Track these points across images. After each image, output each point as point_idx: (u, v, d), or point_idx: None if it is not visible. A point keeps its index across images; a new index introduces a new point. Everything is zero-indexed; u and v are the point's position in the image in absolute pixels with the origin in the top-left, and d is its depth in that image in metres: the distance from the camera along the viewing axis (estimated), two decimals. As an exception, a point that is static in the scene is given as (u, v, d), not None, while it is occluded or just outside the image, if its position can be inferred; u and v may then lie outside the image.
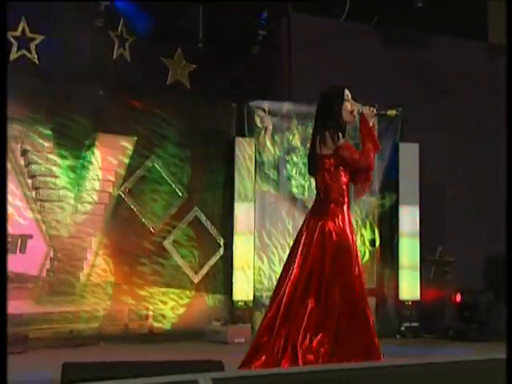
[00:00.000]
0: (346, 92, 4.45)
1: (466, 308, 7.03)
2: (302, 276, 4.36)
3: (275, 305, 4.37)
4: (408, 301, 7.25)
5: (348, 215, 4.45)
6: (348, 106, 4.41)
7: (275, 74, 7.83)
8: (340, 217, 4.37)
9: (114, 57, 6.77)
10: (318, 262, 4.35)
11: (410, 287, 7.28)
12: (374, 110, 4.43)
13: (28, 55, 6.25)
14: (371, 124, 4.45)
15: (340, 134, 4.35)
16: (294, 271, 4.39)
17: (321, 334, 4.26)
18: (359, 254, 4.55)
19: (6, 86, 2.66)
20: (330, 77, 7.56)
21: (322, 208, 4.44)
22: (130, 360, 3.05)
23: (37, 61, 6.28)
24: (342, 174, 4.41)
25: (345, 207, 4.42)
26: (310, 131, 7.36)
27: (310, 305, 4.31)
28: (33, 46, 6.27)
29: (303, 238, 4.45)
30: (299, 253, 4.43)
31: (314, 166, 4.52)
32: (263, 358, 4.23)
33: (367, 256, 7.41)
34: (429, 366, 2.89)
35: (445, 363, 2.87)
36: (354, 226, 4.75)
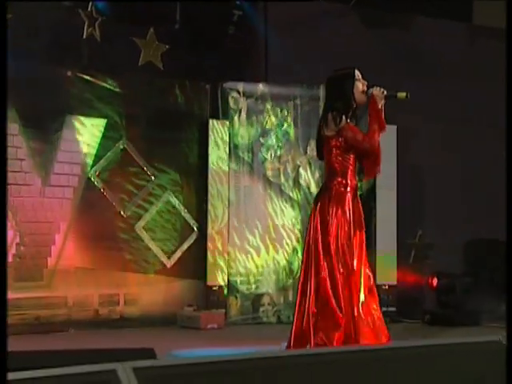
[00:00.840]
0: (357, 72, 4.38)
1: (443, 292, 6.95)
2: (310, 266, 4.34)
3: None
4: (385, 285, 7.14)
5: (354, 198, 4.34)
6: (360, 85, 4.34)
7: (251, 56, 7.69)
8: (344, 200, 4.28)
9: (84, 36, 6.60)
10: (321, 249, 4.29)
11: (386, 271, 7.18)
12: (384, 92, 4.34)
13: (-7, 34, 6.06)
14: (380, 106, 4.34)
15: (343, 116, 4.26)
16: (304, 263, 4.40)
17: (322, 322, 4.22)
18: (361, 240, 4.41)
19: (6, 86, 2.57)
20: (307, 58, 7.47)
21: (326, 192, 4.36)
22: (69, 348, 2.94)
23: (2, 40, 6.10)
24: (347, 156, 4.32)
25: (348, 189, 4.31)
26: (286, 113, 7.32)
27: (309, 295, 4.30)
28: (-2, 25, 6.08)
29: (310, 225, 4.41)
30: (307, 243, 4.42)
31: (321, 148, 4.44)
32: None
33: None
34: (398, 350, 2.77)
35: (413, 347, 2.76)
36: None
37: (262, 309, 7.03)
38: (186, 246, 6.89)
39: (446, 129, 7.95)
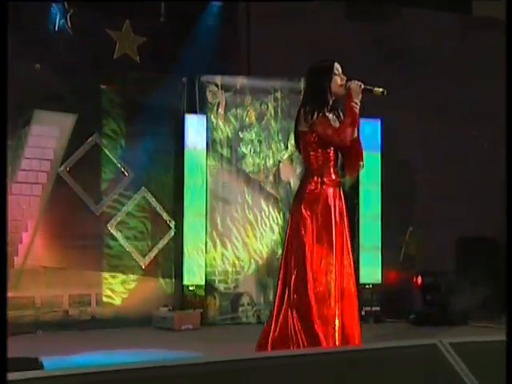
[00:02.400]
0: (336, 66, 4.14)
1: (428, 291, 6.69)
2: (282, 271, 4.07)
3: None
4: (369, 284, 6.91)
5: (334, 197, 4.05)
6: (338, 79, 4.08)
7: (232, 48, 7.47)
8: (318, 201, 4.01)
9: (56, 29, 6.40)
10: (292, 253, 4.03)
11: (370, 270, 6.94)
12: (362, 86, 4.11)
13: (-44, 26, 5.86)
14: (358, 100, 4.09)
15: (316, 110, 4.02)
16: (281, 266, 4.12)
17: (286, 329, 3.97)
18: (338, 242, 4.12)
19: (7, 85, 2.46)
20: (289, 50, 7.23)
21: (301, 190, 4.10)
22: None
23: (-34, 32, 5.90)
24: (325, 151, 4.06)
25: (325, 187, 4.03)
26: (266, 107, 7.09)
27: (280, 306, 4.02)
28: (-39, 17, 5.88)
29: (287, 227, 4.15)
30: (284, 248, 4.14)
31: (297, 143, 4.21)
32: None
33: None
34: (333, 354, 2.56)
35: (350, 351, 2.54)
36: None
37: (241, 309, 6.80)
38: (161, 244, 6.68)
39: (435, 124, 7.70)
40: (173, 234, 6.72)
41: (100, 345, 5.16)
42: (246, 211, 6.88)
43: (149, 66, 6.82)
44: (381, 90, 4.19)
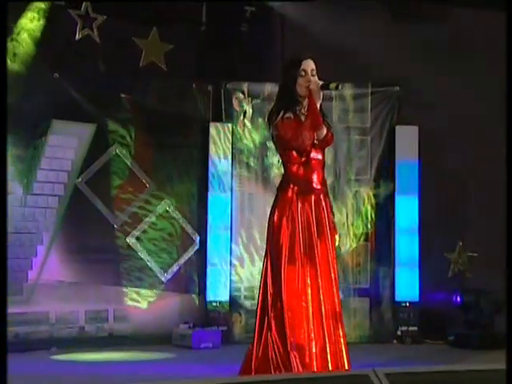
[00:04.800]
0: (305, 65, 3.79)
1: (468, 310, 6.18)
2: (262, 286, 3.90)
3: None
4: (405, 302, 6.46)
5: (313, 207, 3.70)
6: (301, 82, 3.75)
7: (265, 55, 7.20)
8: (293, 210, 3.67)
9: (77, 37, 6.28)
10: (269, 267, 3.84)
11: (407, 287, 6.48)
12: (319, 83, 3.79)
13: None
14: (319, 100, 3.77)
15: (282, 111, 3.71)
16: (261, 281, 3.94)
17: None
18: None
19: (6, 86, 2.51)
20: (328, 55, 6.89)
21: (276, 198, 3.80)
22: None
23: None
24: (301, 155, 3.73)
25: (302, 196, 3.69)
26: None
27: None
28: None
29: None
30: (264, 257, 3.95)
31: (276, 146, 3.90)
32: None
33: (361, 253, 6.66)
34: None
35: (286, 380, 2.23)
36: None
37: (268, 327, 6.44)
38: (184, 258, 6.42)
39: (482, 129, 7.18)
40: (196, 247, 6.46)
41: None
42: (274, 224, 6.54)
43: (176, 73, 6.62)
44: (334, 84, 3.87)
